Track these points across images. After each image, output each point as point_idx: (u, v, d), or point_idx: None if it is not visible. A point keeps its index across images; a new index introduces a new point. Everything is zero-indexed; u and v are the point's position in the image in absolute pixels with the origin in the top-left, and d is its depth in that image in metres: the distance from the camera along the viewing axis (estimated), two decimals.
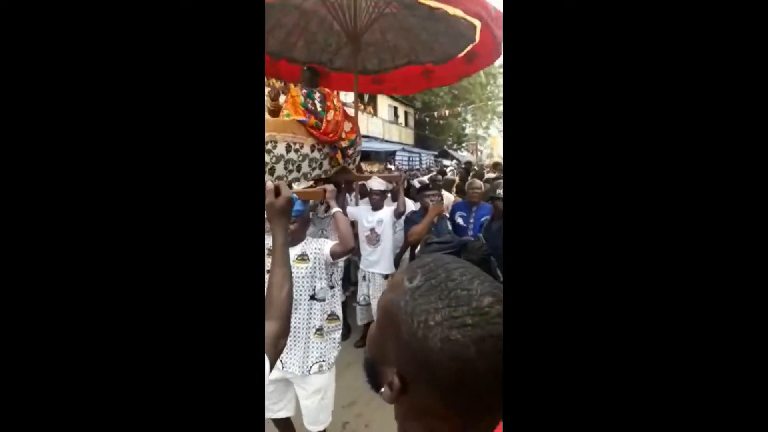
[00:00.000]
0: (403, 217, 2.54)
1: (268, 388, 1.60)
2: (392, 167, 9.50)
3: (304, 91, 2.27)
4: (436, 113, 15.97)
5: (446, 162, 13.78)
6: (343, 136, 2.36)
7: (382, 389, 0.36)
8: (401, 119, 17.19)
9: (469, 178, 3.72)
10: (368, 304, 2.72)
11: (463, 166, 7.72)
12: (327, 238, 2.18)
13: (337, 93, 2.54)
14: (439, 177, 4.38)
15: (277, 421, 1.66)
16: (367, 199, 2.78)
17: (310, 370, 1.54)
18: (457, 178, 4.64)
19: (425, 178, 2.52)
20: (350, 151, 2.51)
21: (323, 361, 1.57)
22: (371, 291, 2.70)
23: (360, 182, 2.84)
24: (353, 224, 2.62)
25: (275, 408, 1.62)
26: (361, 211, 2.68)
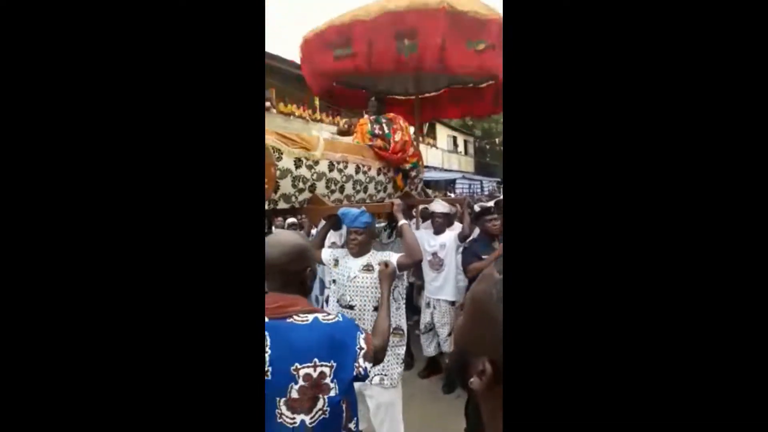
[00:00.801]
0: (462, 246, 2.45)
1: None
2: (452, 195, 9.41)
3: (372, 117, 2.40)
4: (497, 140, 15.65)
5: None
6: (407, 159, 2.43)
7: (471, 380, 0.37)
8: (460, 148, 17.15)
9: None
10: (431, 330, 2.61)
11: None
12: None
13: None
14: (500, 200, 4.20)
15: None
16: (428, 222, 2.75)
17: (371, 381, 1.53)
18: None
19: (491, 203, 2.43)
20: (413, 173, 2.55)
21: (385, 374, 1.54)
22: (436, 318, 2.58)
23: (422, 206, 2.84)
24: None
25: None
26: (422, 235, 2.64)
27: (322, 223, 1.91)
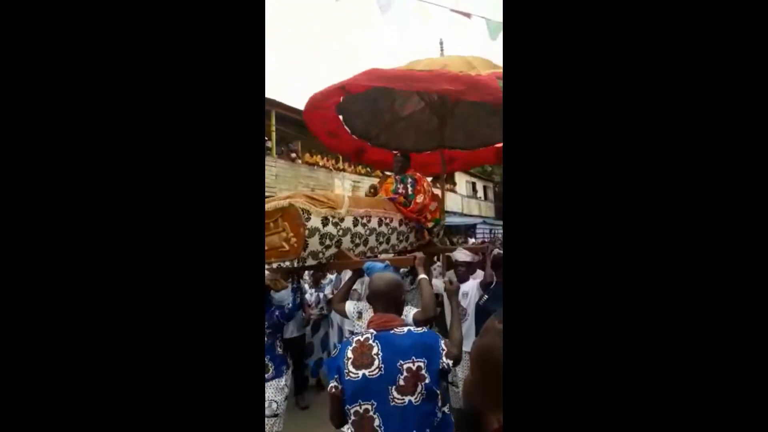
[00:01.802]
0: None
1: None
2: (473, 240, 9.31)
3: (398, 177, 2.53)
4: None
5: None
6: (428, 216, 2.51)
7: None
8: (480, 193, 17.26)
9: None
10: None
11: None
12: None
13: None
14: None
15: None
16: (452, 271, 2.74)
17: None
18: None
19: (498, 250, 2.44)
20: (436, 229, 2.62)
21: None
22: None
23: (446, 254, 2.85)
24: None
25: None
26: (441, 284, 2.63)
27: (347, 275, 1.96)
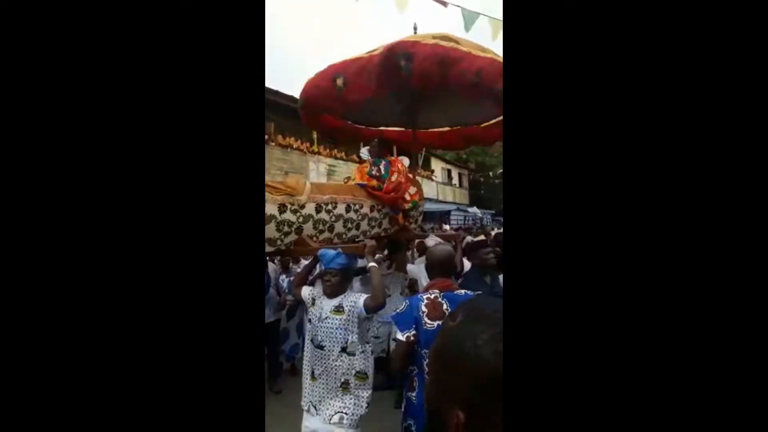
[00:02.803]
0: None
1: None
2: (447, 226, 9.43)
3: (371, 160, 2.45)
4: (491, 173, 15.98)
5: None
6: (407, 197, 2.44)
7: None
8: (455, 180, 17.45)
9: None
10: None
11: None
12: (389, 295, 2.20)
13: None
14: (491, 232, 4.22)
15: None
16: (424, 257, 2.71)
17: (330, 420, 1.54)
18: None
19: (481, 237, 2.44)
20: (414, 213, 2.56)
21: (345, 413, 1.54)
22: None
23: (418, 240, 2.82)
24: (415, 282, 2.54)
25: None
26: (421, 269, 2.61)
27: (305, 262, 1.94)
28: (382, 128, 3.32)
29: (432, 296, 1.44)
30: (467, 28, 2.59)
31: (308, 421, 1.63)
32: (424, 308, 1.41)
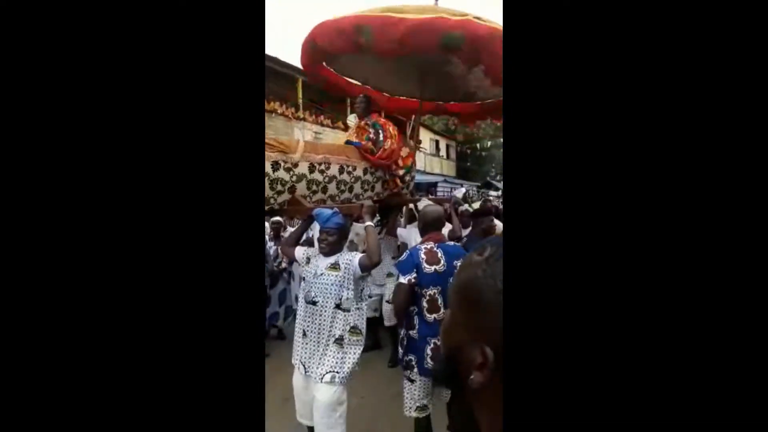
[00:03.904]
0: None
1: (299, 398, 1.68)
2: (433, 197, 9.52)
3: (369, 123, 2.38)
4: (478, 145, 15.95)
5: (492, 192, 13.52)
6: (400, 163, 2.40)
7: (472, 376, 0.34)
8: (443, 152, 17.36)
9: None
10: None
11: None
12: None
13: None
14: (489, 202, 4.30)
15: (310, 429, 1.70)
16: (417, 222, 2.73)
17: (322, 378, 1.57)
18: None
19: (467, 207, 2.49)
20: (407, 178, 2.53)
21: (337, 372, 1.58)
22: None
23: (410, 206, 2.81)
24: (406, 246, 2.57)
25: (307, 417, 1.66)
26: (411, 233, 2.63)
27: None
28: (386, 94, 3.22)
29: (428, 246, 1.68)
30: None
31: (298, 379, 1.67)
32: (423, 255, 1.65)
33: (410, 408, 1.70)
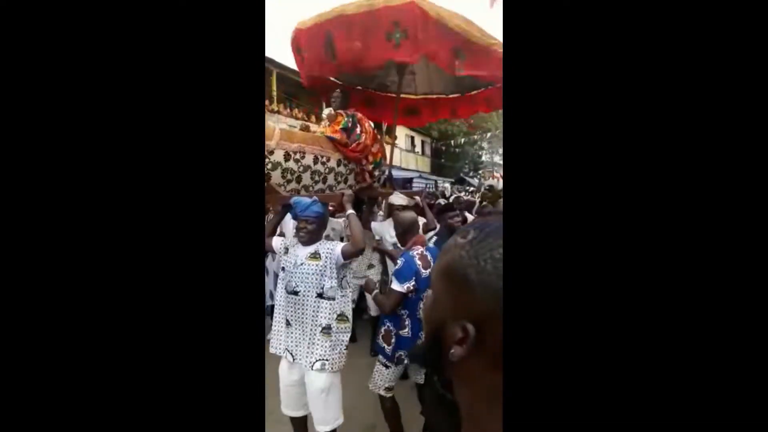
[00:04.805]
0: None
1: (285, 389, 1.66)
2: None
3: (346, 112, 2.40)
4: (452, 141, 16.23)
5: (464, 188, 13.84)
6: (370, 158, 2.45)
7: (452, 350, 0.35)
8: (418, 148, 17.54)
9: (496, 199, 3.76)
10: None
11: (486, 188, 7.87)
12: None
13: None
14: (462, 197, 4.42)
15: (294, 420, 1.70)
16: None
17: (312, 367, 1.57)
18: (478, 200, 4.67)
19: (447, 200, 2.59)
20: (377, 172, 2.58)
21: (326, 360, 1.58)
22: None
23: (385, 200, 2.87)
24: (380, 239, 2.62)
25: (293, 407, 1.66)
26: (384, 226, 2.69)
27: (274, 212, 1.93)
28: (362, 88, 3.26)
29: (419, 251, 1.75)
30: None
31: (284, 368, 1.65)
32: (418, 261, 1.71)
33: (380, 387, 1.79)
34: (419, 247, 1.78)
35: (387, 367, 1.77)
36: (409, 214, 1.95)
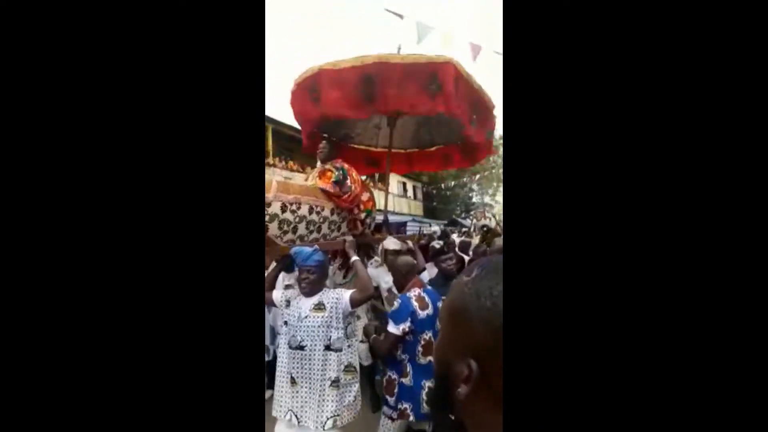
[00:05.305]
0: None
1: None
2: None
3: (337, 165, 2.52)
4: (443, 185, 16.69)
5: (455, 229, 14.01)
6: (361, 207, 2.55)
7: (459, 390, 0.35)
8: (410, 193, 17.96)
9: (493, 239, 3.83)
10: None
11: (482, 228, 7.99)
12: None
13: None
14: (454, 239, 4.48)
15: None
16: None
17: (324, 426, 1.49)
18: (476, 240, 4.72)
19: (439, 243, 2.65)
20: (368, 220, 2.67)
21: (338, 415, 1.51)
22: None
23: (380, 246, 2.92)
24: (376, 286, 2.63)
25: None
26: (379, 272, 2.69)
27: (273, 264, 1.92)
28: (358, 146, 3.45)
29: (416, 293, 1.77)
30: (420, 40, 2.85)
31: (285, 430, 1.55)
32: (415, 302, 1.71)
33: None
34: (416, 288, 1.79)
35: (393, 419, 1.70)
36: (406, 259, 1.98)
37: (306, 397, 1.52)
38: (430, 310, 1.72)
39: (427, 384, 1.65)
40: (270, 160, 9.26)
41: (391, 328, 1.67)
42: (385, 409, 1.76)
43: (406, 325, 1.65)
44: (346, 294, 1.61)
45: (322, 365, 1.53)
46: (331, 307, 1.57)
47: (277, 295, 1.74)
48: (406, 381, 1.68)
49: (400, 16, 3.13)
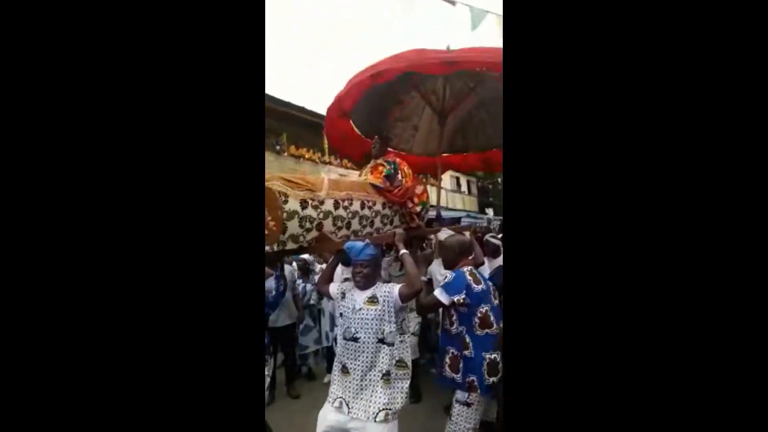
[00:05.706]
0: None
1: None
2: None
3: (388, 161, 2.53)
4: (498, 179, 15.97)
5: None
6: (416, 200, 2.50)
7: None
8: (464, 188, 17.45)
9: None
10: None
11: None
12: None
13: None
14: None
15: None
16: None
17: (375, 418, 1.49)
18: None
19: (494, 239, 2.50)
20: (423, 213, 2.62)
21: (389, 409, 1.51)
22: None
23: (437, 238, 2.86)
24: (430, 281, 2.58)
25: None
26: (434, 267, 2.64)
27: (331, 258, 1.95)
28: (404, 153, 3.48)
29: (469, 268, 1.81)
30: (474, 26, 2.67)
31: (334, 417, 1.56)
32: (469, 277, 1.75)
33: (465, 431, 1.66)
34: (468, 266, 1.81)
35: (469, 405, 1.65)
36: (460, 238, 1.97)
37: (357, 388, 1.55)
38: (483, 286, 1.76)
39: (488, 356, 1.66)
40: (326, 158, 9.61)
41: (440, 295, 1.70)
42: (458, 394, 1.70)
43: (460, 297, 1.68)
44: (396, 288, 1.60)
45: (374, 357, 1.54)
46: (384, 301, 1.58)
47: (334, 287, 1.78)
48: (468, 353, 1.69)
49: (452, 3, 2.97)
